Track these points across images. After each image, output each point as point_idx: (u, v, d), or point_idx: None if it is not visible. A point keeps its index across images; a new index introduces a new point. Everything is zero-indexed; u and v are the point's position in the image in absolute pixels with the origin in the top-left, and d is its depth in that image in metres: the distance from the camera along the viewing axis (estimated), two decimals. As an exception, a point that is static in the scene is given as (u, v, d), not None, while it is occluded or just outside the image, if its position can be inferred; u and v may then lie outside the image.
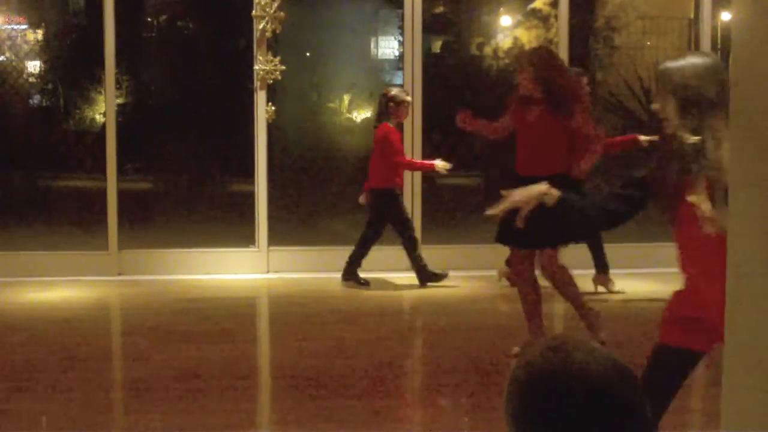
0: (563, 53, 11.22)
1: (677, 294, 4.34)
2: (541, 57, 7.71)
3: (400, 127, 10.22)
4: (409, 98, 10.24)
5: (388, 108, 10.05)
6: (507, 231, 7.25)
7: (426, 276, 10.23)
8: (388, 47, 12.30)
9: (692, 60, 4.29)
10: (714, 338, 4.05)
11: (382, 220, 10.18)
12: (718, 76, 4.10)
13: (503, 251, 10.88)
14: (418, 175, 10.99)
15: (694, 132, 4.05)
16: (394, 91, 10.19)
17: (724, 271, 3.62)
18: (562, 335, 2.01)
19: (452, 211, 11.83)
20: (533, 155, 7.56)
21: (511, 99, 7.89)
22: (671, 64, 4.27)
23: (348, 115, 12.25)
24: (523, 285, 7.67)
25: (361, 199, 10.32)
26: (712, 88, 4.08)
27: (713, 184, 3.96)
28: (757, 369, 3.03)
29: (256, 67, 10.87)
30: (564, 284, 7.80)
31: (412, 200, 11.05)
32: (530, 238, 7.29)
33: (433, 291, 10.13)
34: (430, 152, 11.33)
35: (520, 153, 7.69)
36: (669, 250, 11.19)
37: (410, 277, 10.56)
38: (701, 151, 4.01)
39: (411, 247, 10.21)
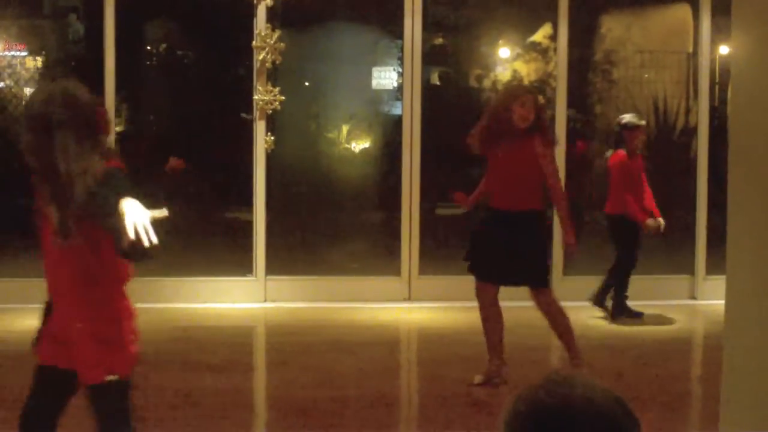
0: (562, 86, 11.26)
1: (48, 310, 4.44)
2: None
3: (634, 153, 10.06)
4: (642, 122, 10.16)
5: (622, 135, 10.01)
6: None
7: (621, 311, 10.11)
8: (387, 78, 12.31)
9: (39, 88, 4.71)
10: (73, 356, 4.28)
11: (626, 245, 10.04)
12: (62, 98, 4.24)
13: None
14: (416, 204, 11.00)
15: (38, 153, 4.22)
16: (627, 118, 10.12)
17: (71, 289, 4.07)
18: (560, 370, 2.00)
19: (450, 242, 11.81)
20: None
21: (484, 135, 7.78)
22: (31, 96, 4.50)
23: (346, 146, 12.24)
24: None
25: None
26: (58, 110, 4.20)
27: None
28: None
29: (255, 97, 10.89)
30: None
31: (410, 230, 11.05)
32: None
33: (432, 322, 10.11)
34: (428, 183, 11.34)
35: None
36: (667, 282, 11.11)
37: (410, 308, 10.57)
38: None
39: (618, 277, 10.13)
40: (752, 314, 3.16)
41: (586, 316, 9.95)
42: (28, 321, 9.72)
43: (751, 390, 3.06)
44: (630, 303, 10.14)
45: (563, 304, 7.74)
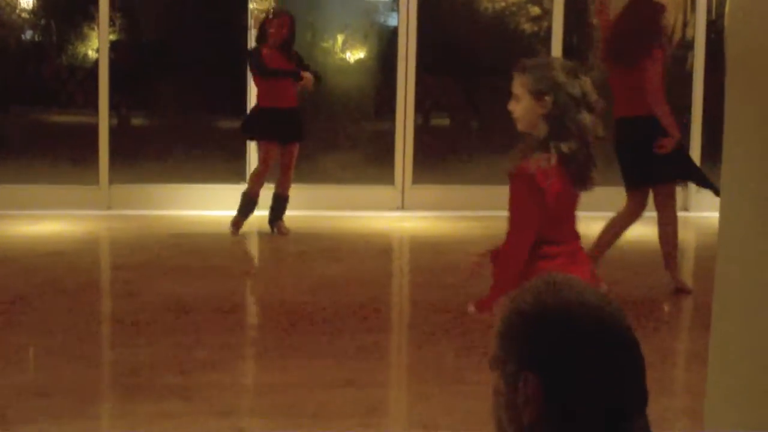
0: (559, 8, 11.18)
1: None
2: None
3: None
4: None
5: None
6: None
7: None
8: (383, -12, 12.20)
9: None
10: None
11: None
12: None
13: (493, 192, 10.89)
14: (410, 115, 10.99)
15: None
16: None
17: None
18: (555, 274, 2.02)
19: (444, 152, 11.82)
20: None
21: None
22: None
23: (341, 56, 12.17)
24: None
25: None
26: None
27: None
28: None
29: (250, 5, 10.81)
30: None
31: (404, 140, 11.05)
32: None
33: (425, 231, 10.16)
34: (423, 95, 11.31)
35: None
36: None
37: (401, 216, 10.62)
38: None
39: None
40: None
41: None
42: (28, 227, 9.78)
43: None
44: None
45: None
